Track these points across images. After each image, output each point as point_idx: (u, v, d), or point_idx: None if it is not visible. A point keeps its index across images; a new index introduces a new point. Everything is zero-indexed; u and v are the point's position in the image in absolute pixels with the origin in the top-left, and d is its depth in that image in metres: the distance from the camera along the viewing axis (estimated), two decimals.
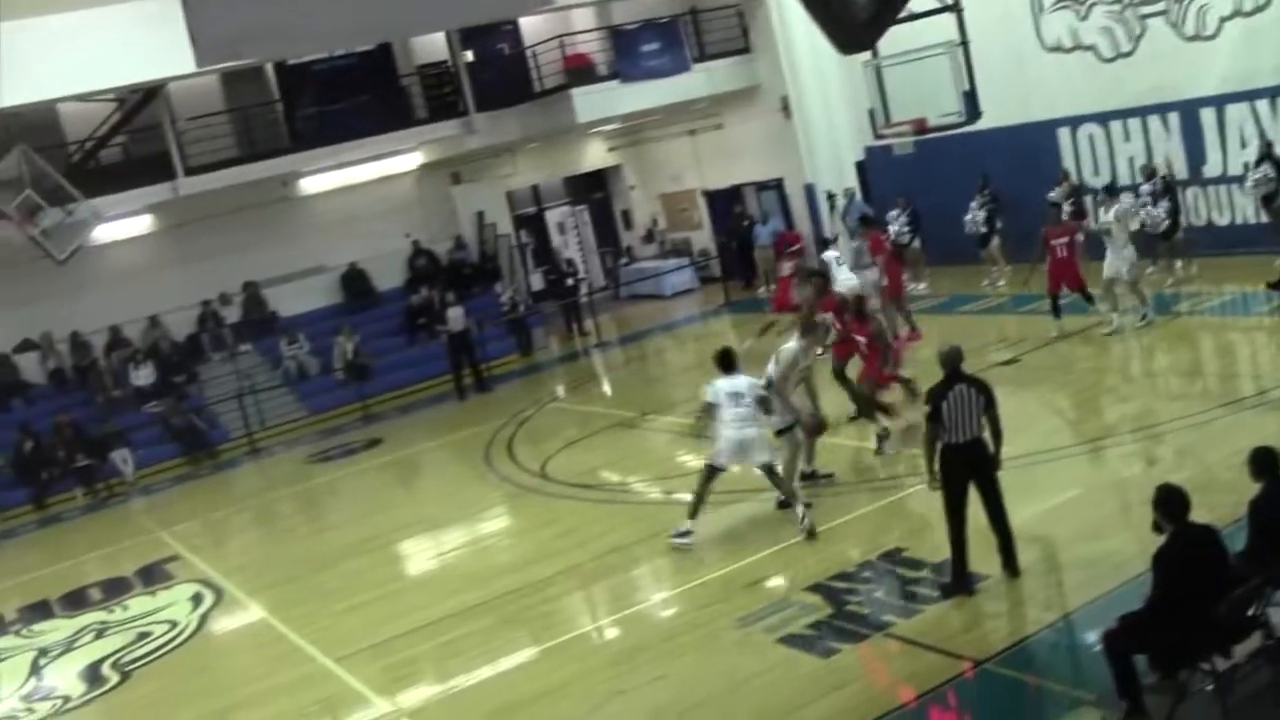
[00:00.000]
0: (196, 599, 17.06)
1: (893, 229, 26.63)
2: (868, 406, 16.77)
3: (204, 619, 16.30)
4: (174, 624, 16.15)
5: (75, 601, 18.11)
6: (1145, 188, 22.98)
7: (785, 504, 14.42)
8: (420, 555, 17.77)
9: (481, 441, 22.38)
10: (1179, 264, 22.33)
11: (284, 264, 30.90)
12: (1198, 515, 8.67)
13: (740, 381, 14.19)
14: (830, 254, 23.46)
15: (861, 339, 17.08)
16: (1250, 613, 8.25)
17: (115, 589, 18.31)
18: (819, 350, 16.34)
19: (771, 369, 14.68)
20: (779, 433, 14.67)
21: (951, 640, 10.86)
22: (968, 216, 25.35)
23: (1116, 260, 19.55)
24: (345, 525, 19.63)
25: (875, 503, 14.85)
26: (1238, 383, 16.52)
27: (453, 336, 27.49)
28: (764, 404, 14.21)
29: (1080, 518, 13.22)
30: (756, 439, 14.16)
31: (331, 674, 13.38)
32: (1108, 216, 20.01)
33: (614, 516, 16.69)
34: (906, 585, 12.23)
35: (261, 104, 30.48)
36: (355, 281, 31.97)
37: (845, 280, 21.38)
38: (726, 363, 14.31)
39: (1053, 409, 17.44)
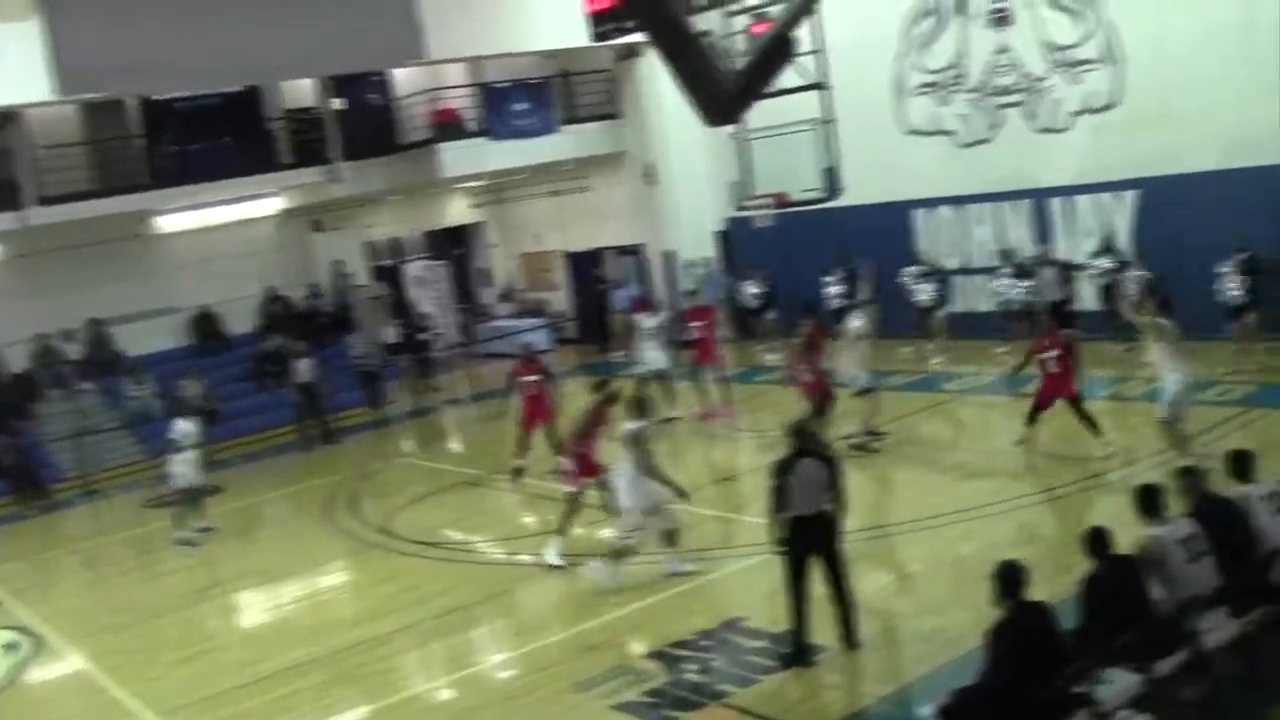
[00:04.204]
0: (11, 647, 16.34)
1: (746, 295, 28.43)
2: None
3: (18, 668, 15.64)
4: None
5: None
6: (1005, 270, 23.94)
7: None
8: (256, 607, 17.39)
9: (325, 494, 22.05)
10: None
11: (134, 302, 30.21)
12: (1037, 592, 8.77)
13: None
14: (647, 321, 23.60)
15: None
16: (1078, 690, 8.35)
17: None
18: None
19: None
20: None
21: (788, 711, 10.87)
22: (830, 290, 25.65)
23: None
24: (180, 573, 19.04)
25: (718, 570, 14.82)
26: (1080, 464, 16.81)
27: (299, 387, 27.13)
28: None
29: (920, 592, 13.38)
30: None
31: None
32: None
33: (456, 575, 16.47)
34: (745, 654, 12.21)
35: (121, 137, 29.80)
36: (206, 324, 31.46)
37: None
38: None
39: (898, 484, 17.63)
